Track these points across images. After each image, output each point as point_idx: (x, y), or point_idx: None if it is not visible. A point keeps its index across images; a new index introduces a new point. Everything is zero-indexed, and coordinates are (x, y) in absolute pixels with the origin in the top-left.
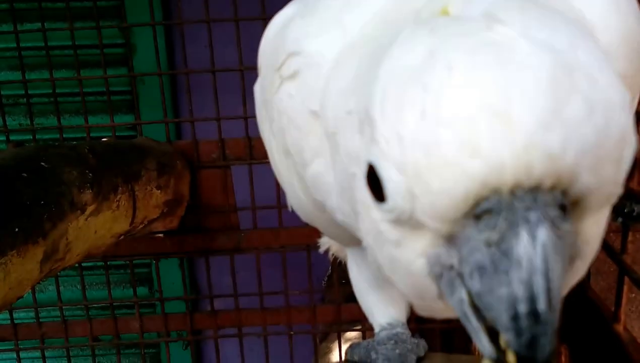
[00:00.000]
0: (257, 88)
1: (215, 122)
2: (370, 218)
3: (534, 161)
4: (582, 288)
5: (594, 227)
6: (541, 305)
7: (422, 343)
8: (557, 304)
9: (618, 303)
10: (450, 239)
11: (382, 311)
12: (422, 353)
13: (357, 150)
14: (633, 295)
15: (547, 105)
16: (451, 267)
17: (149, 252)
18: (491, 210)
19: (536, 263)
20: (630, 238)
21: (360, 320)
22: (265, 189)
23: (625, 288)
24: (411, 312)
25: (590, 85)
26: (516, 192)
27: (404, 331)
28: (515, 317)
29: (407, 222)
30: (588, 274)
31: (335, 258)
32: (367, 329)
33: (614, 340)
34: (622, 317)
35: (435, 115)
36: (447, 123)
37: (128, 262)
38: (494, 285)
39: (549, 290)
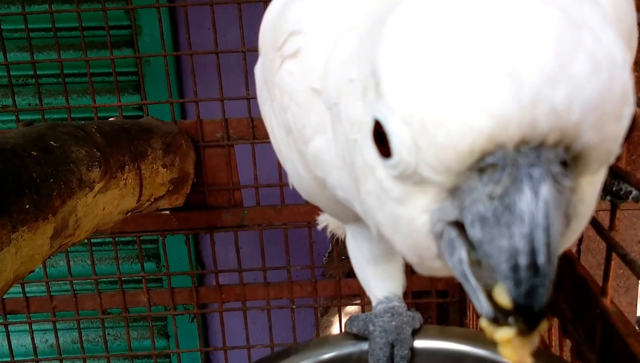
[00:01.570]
0: (258, 69)
1: (219, 103)
2: (374, 177)
3: (540, 117)
4: (572, 264)
5: (590, 188)
6: (541, 258)
7: (418, 316)
8: (555, 258)
9: (606, 278)
10: (453, 193)
11: (379, 285)
12: (417, 326)
13: (359, 116)
14: (621, 271)
15: (553, 62)
16: (452, 224)
17: (155, 229)
18: (495, 164)
19: (538, 218)
20: (618, 216)
21: (359, 295)
22: (267, 168)
23: (613, 264)
24: (408, 287)
25: (595, 42)
26: (520, 147)
27: (400, 304)
28: (515, 268)
29: (411, 177)
30: (578, 251)
31: (334, 235)
32: (366, 303)
33: (602, 313)
34: (610, 291)
35: (443, 69)
36: (454, 77)
37: (135, 238)
38: (495, 236)
39: (548, 245)
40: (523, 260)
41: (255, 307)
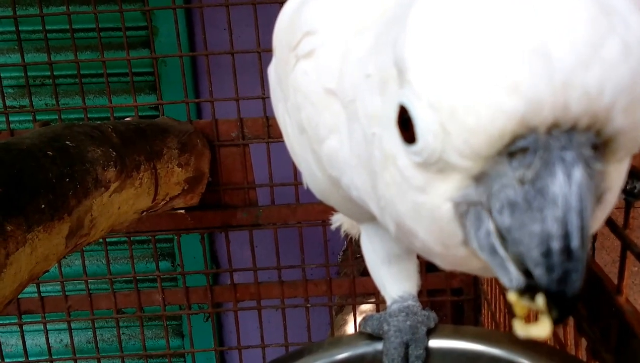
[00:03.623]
0: (271, 69)
1: (234, 102)
2: (395, 167)
3: (572, 99)
4: (586, 262)
5: (616, 174)
6: (575, 242)
7: (433, 315)
8: (588, 242)
9: (621, 277)
10: (478, 179)
11: (394, 285)
12: (432, 325)
13: (377, 110)
14: (635, 268)
15: (586, 44)
16: (478, 204)
17: (170, 228)
18: (526, 148)
19: (571, 201)
20: (632, 214)
21: (374, 293)
22: (282, 167)
23: (628, 262)
24: (423, 285)
25: (625, 26)
26: (552, 131)
27: (415, 303)
28: (547, 253)
29: (435, 164)
30: (593, 249)
31: (347, 234)
32: (380, 302)
33: (617, 311)
34: (625, 290)
35: (471, 51)
36: (484, 59)
37: (151, 237)
38: (526, 221)
39: (582, 228)
40: (556, 244)
41: (270, 305)
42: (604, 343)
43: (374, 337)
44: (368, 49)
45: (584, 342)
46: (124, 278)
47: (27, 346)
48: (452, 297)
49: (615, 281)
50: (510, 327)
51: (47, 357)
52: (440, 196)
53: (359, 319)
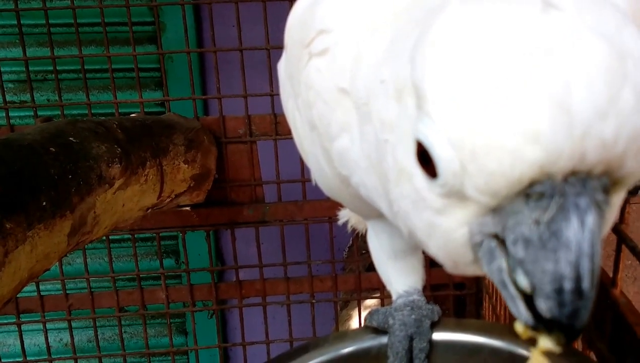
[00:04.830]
0: (282, 65)
1: (241, 99)
2: (411, 185)
3: (589, 149)
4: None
5: (618, 198)
6: (586, 284)
7: (437, 309)
8: (597, 281)
9: (616, 270)
10: (495, 210)
11: (400, 280)
12: (436, 319)
13: (391, 117)
14: (629, 262)
15: (604, 96)
16: (492, 236)
17: (176, 225)
18: (543, 192)
19: (584, 247)
20: (627, 209)
21: (379, 289)
22: (289, 164)
23: (622, 255)
24: (426, 280)
25: (637, 70)
26: (568, 177)
27: (419, 298)
28: (559, 291)
29: (454, 194)
30: None
31: (354, 230)
32: (385, 297)
33: (612, 303)
34: (620, 282)
35: (496, 96)
36: (506, 106)
37: (155, 234)
38: (540, 258)
39: (592, 271)
40: (568, 285)
41: (275, 302)
42: (598, 334)
43: (379, 331)
44: (383, 52)
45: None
46: (126, 276)
47: (25, 345)
48: (455, 291)
49: (611, 274)
50: (511, 319)
51: (46, 357)
52: (457, 221)
53: (363, 314)
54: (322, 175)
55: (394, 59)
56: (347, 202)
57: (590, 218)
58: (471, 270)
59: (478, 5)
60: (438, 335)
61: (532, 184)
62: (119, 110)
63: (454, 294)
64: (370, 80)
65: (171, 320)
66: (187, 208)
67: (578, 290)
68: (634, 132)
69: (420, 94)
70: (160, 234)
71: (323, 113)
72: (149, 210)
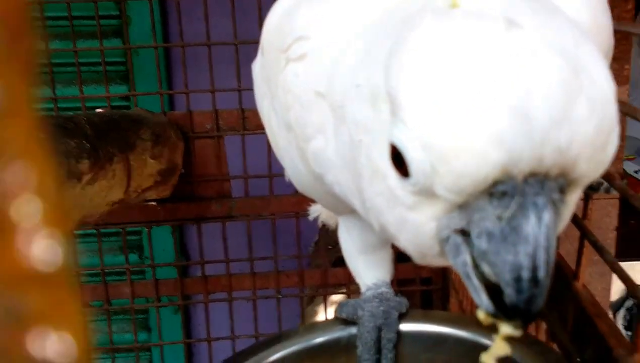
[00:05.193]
0: (257, 65)
1: (208, 94)
2: (385, 184)
3: (546, 154)
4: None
5: (574, 196)
6: (541, 273)
7: (404, 301)
8: (551, 270)
9: (578, 263)
10: (461, 206)
11: (369, 273)
12: (404, 310)
13: (365, 119)
14: (596, 257)
15: (559, 106)
16: (458, 231)
17: (142, 220)
18: (505, 191)
19: (540, 240)
20: (591, 206)
21: (345, 284)
22: (257, 159)
23: (586, 250)
24: (394, 275)
25: (591, 84)
26: (528, 179)
27: (388, 290)
28: (518, 279)
29: (425, 192)
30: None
31: (323, 226)
32: (351, 292)
33: (574, 296)
34: (581, 275)
35: (464, 103)
36: (475, 113)
37: (120, 229)
38: (501, 250)
39: (547, 262)
40: (526, 274)
41: (241, 297)
42: (561, 326)
43: (348, 322)
44: (359, 58)
45: (543, 325)
46: (90, 272)
47: None
48: (422, 286)
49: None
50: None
51: None
52: (427, 216)
53: (329, 310)
54: (296, 173)
55: (369, 65)
56: (320, 199)
57: (547, 216)
58: (438, 262)
59: (449, 22)
60: (405, 326)
61: (495, 184)
62: (85, 105)
63: (420, 289)
64: (346, 84)
65: (135, 316)
66: (154, 203)
67: (534, 279)
68: (586, 138)
69: (395, 102)
70: (126, 229)
71: (300, 115)
72: (115, 205)
